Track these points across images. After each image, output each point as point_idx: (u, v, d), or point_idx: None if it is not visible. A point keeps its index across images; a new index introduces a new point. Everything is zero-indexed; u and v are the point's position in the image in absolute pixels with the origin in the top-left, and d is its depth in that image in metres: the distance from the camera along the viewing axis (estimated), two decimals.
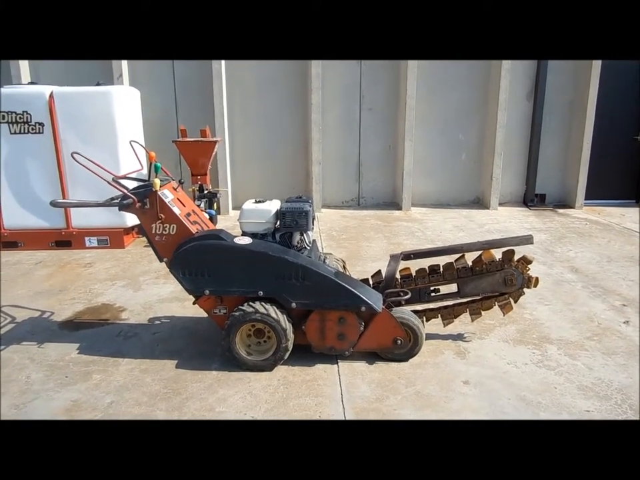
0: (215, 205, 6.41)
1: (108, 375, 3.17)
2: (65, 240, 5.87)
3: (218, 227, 6.59)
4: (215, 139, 6.29)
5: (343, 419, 2.71)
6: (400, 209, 7.98)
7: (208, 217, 5.45)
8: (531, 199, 8.19)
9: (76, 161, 2.88)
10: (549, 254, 5.67)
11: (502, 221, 7.26)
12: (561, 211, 7.98)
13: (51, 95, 5.48)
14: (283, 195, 8.29)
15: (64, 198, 5.74)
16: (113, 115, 5.59)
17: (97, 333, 3.76)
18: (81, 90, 5.61)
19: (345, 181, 8.27)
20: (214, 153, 6.30)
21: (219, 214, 7.47)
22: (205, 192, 6.26)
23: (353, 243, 6.18)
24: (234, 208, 7.93)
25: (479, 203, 8.37)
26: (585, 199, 8.06)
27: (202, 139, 6.13)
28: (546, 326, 3.86)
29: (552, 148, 8.15)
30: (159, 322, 3.94)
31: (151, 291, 4.55)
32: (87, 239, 5.87)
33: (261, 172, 8.09)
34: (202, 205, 6.05)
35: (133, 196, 3.04)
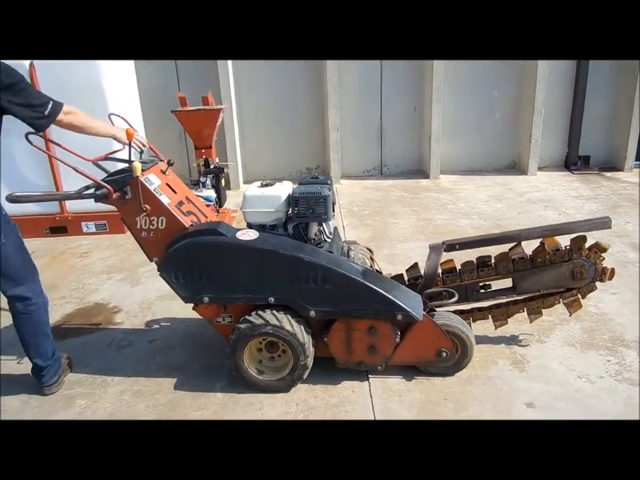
0: (223, 180, 5.77)
1: (94, 401, 2.65)
2: (60, 226, 5.33)
3: (228, 204, 6.04)
4: (218, 107, 5.59)
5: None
6: (427, 177, 7.23)
7: (209, 203, 4.86)
8: (574, 161, 7.35)
9: (30, 143, 2.27)
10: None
11: (544, 189, 6.48)
12: (608, 174, 7.13)
13: (31, 65, 4.83)
14: (298, 167, 7.71)
15: (55, 180, 5.19)
16: (102, 85, 4.92)
17: (86, 343, 3.23)
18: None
19: (366, 148, 7.51)
20: (219, 123, 5.62)
21: (229, 189, 6.86)
22: (211, 167, 5.61)
23: (377, 219, 5.52)
24: (245, 182, 7.30)
25: (515, 167, 7.56)
26: (635, 160, 7.19)
27: (204, 107, 5.45)
28: (617, 322, 3.20)
29: (598, 103, 7.22)
30: (157, 326, 3.40)
31: (151, 286, 3.99)
32: (83, 224, 5.34)
33: (273, 141, 7.38)
34: (208, 182, 5.42)
35: (107, 185, 2.43)
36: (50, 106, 2.30)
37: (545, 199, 6.02)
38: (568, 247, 2.75)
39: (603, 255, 2.75)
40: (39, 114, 2.27)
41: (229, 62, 6.76)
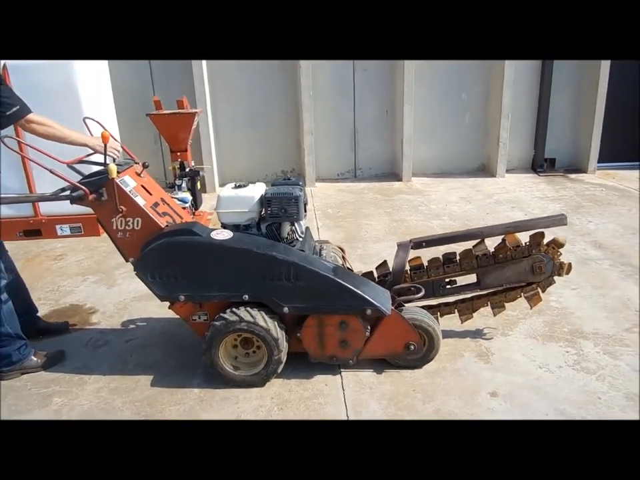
0: (199, 183, 5.82)
1: (71, 398, 2.69)
2: (34, 229, 5.29)
3: (203, 207, 6.08)
4: (194, 110, 5.64)
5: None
6: (400, 179, 7.39)
7: (184, 205, 4.90)
8: (540, 164, 7.61)
9: (5, 145, 2.31)
10: (567, 227, 5.12)
11: (511, 190, 6.70)
12: (572, 176, 7.41)
13: (4, 67, 4.81)
14: (273, 169, 7.80)
15: (29, 183, 5.16)
16: (77, 88, 4.93)
17: (62, 343, 3.24)
18: (38, 61, 4.91)
19: (340, 151, 7.63)
20: (194, 126, 5.67)
21: (205, 192, 6.90)
22: (187, 170, 5.66)
23: (350, 221, 5.64)
24: (221, 185, 7.35)
25: (485, 170, 7.78)
26: (598, 162, 7.49)
27: (179, 110, 5.49)
28: (577, 316, 3.38)
29: (562, 107, 7.49)
30: (133, 326, 3.44)
31: (127, 287, 4.03)
32: (58, 227, 5.31)
33: (248, 145, 7.44)
34: (183, 185, 5.46)
35: (83, 187, 2.48)
36: (15, 109, 2.44)
37: (512, 200, 6.23)
38: (527, 243, 2.91)
39: (560, 250, 2.91)
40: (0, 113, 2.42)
41: (204, 65, 6.82)
